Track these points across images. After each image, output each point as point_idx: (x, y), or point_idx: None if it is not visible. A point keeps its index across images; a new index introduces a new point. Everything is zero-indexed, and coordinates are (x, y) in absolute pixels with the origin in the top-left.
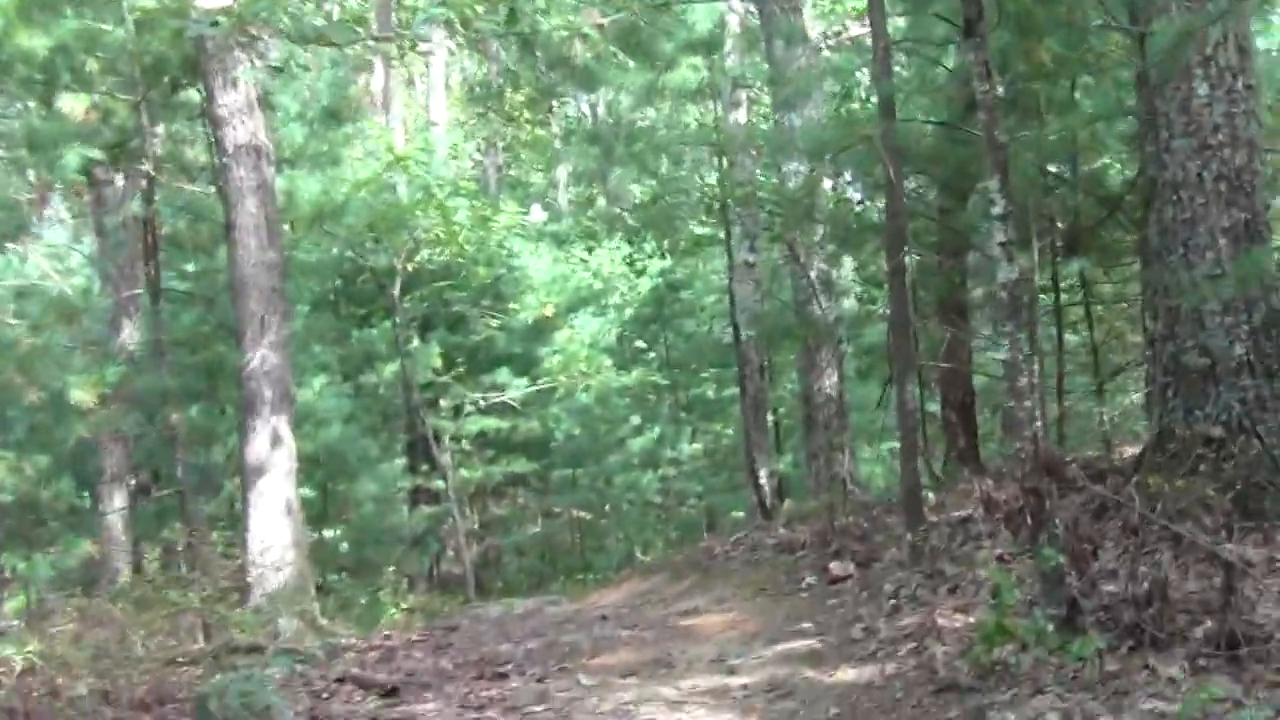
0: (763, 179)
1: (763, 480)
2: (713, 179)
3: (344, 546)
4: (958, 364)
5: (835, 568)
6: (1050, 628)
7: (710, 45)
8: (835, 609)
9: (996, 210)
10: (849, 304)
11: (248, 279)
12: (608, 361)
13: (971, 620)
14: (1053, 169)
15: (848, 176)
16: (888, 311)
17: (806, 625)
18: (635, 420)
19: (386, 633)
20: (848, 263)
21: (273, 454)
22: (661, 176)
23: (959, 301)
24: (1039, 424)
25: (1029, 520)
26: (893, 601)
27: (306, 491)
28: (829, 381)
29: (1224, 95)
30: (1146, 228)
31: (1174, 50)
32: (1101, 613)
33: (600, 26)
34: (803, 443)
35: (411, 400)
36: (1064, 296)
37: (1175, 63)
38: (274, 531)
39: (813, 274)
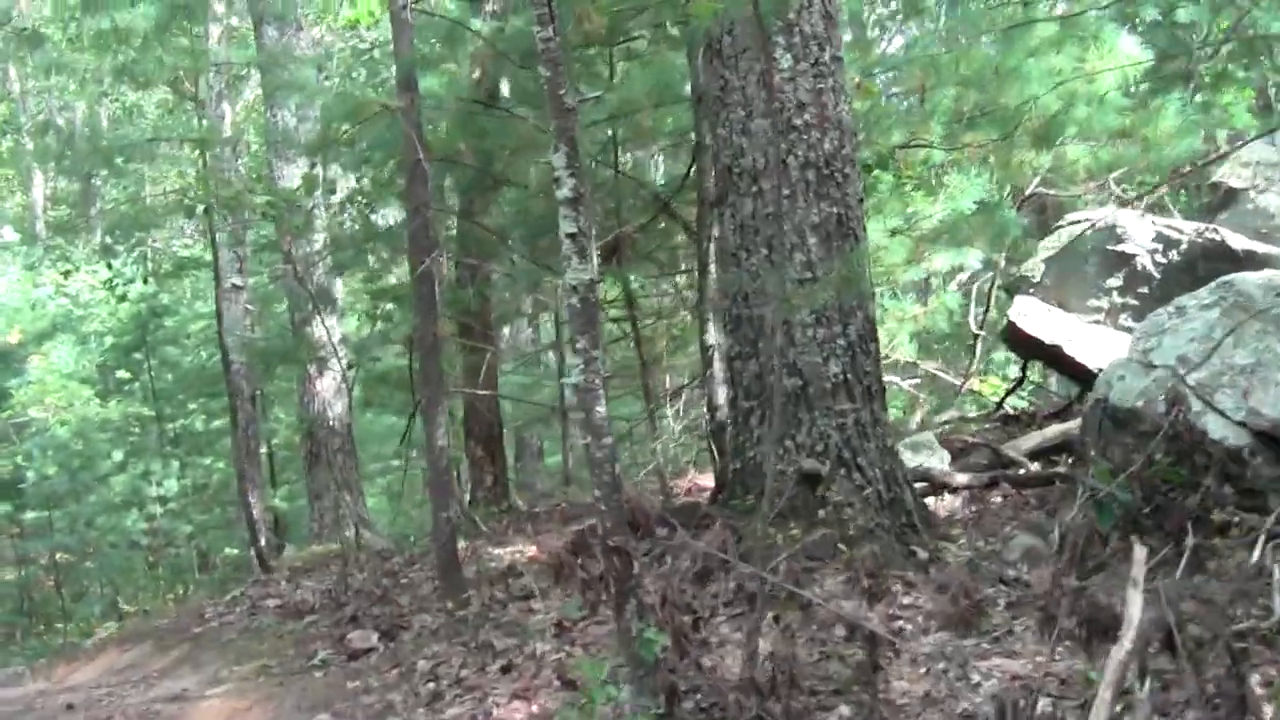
0: (253, 178)
1: (258, 522)
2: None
3: None
4: (482, 389)
5: (355, 638)
6: None
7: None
8: (359, 694)
9: (565, 192)
10: (356, 323)
11: None
12: (87, 392)
13: (535, 710)
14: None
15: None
16: (408, 329)
17: (324, 717)
18: (118, 456)
19: None
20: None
21: None
22: (135, 175)
23: (484, 316)
24: (618, 465)
25: (610, 587)
26: (431, 685)
27: None
28: (333, 411)
29: (809, 68)
30: (707, 227)
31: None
32: (710, 704)
33: None
34: (305, 479)
35: None
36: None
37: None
38: None
39: (311, 289)
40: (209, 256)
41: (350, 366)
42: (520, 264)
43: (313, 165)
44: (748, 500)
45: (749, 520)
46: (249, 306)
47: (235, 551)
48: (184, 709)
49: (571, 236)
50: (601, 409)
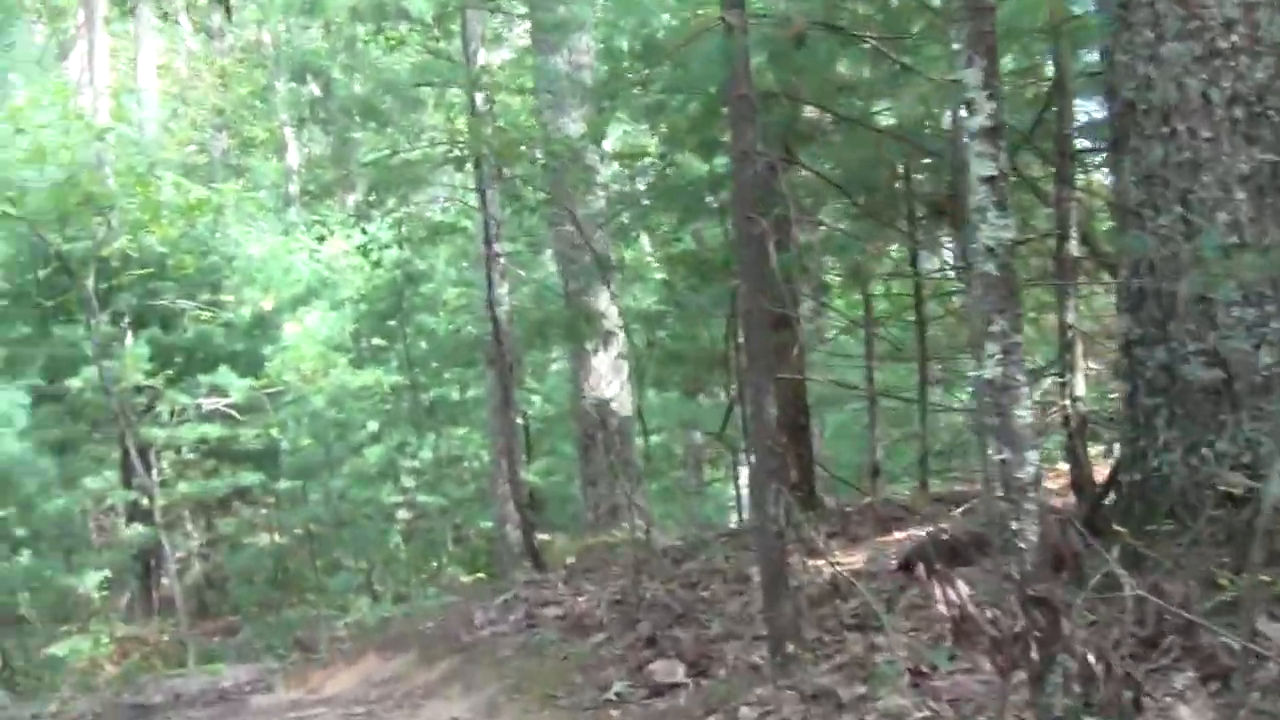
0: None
1: (526, 510)
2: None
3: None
4: (791, 370)
5: (658, 670)
6: None
7: None
8: None
9: (980, 120)
10: (642, 292)
11: None
12: (342, 360)
13: None
14: None
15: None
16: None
17: None
18: (373, 426)
19: None
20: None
21: None
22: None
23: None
24: (1041, 486)
25: (1030, 649)
26: None
27: None
28: (611, 390)
29: None
30: (1066, 185)
31: None
32: None
33: None
34: (579, 463)
35: (116, 406)
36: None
37: None
38: None
39: (589, 256)
40: (464, 222)
41: (649, 344)
42: (853, 226)
43: (600, 110)
44: (1151, 524)
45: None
46: (520, 272)
47: (488, 525)
48: None
49: (989, 181)
50: (1025, 413)
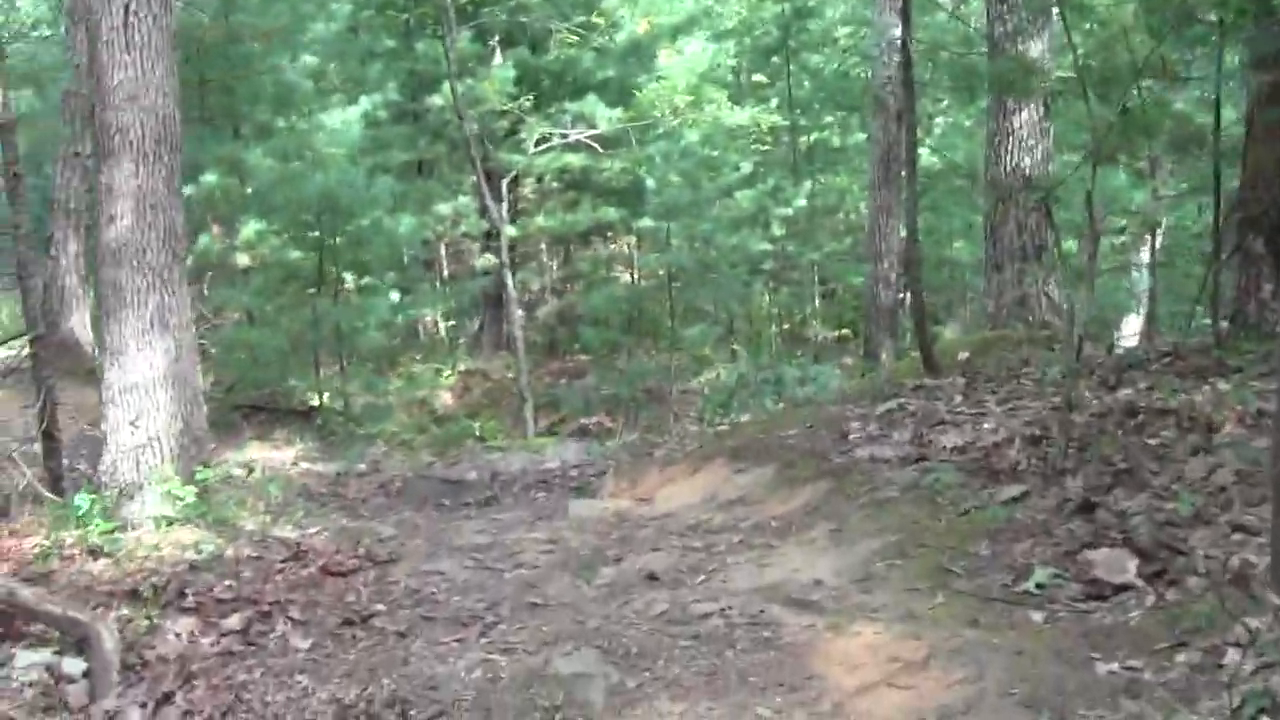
0: None
1: (920, 295)
2: None
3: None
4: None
5: (1099, 562)
6: None
7: None
8: (1117, 695)
9: None
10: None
11: None
12: (719, 95)
13: None
14: None
15: None
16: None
17: None
18: (745, 168)
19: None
20: None
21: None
22: None
23: None
24: None
25: None
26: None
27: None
28: (1032, 159)
29: None
30: None
31: None
32: None
33: None
34: (984, 242)
35: (471, 129)
36: None
37: None
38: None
39: None
40: None
41: (1086, 95)
42: None
43: None
44: None
45: None
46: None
47: (858, 281)
48: (817, 635)
49: None
50: None
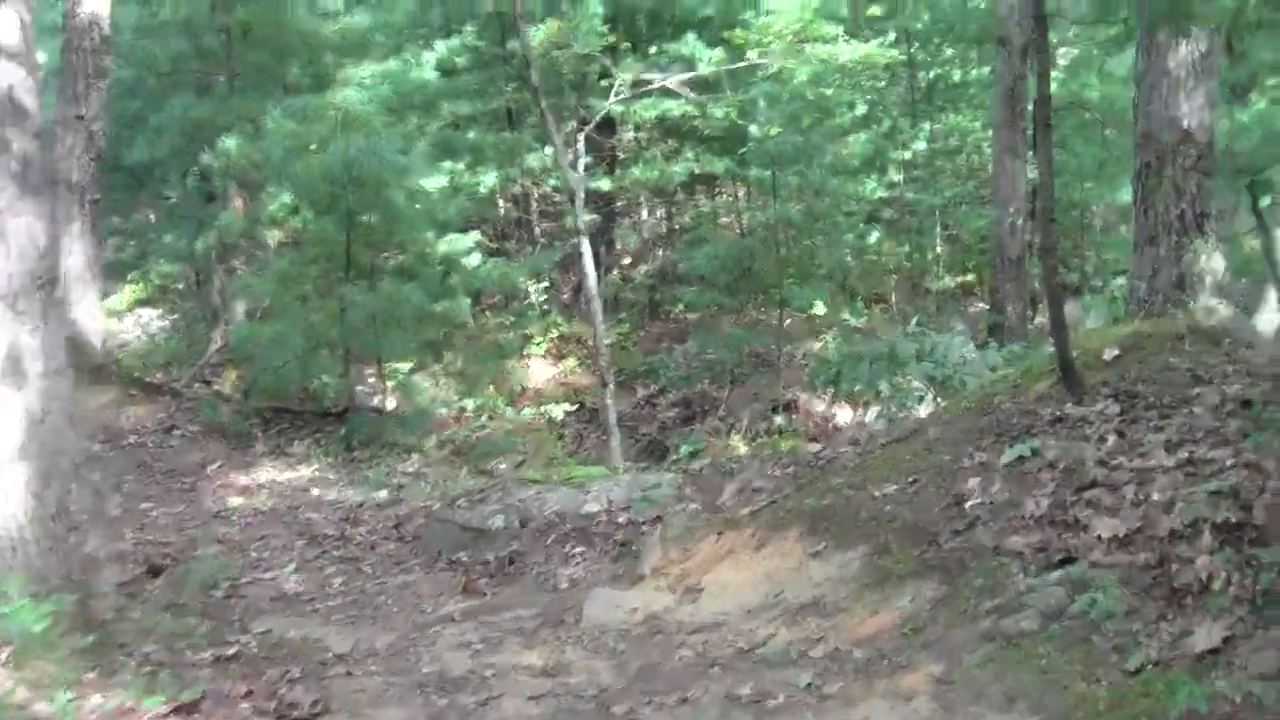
0: None
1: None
2: None
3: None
4: None
5: None
6: None
7: None
8: None
9: None
10: None
11: None
12: (830, 30)
13: None
14: None
15: None
16: None
17: None
18: (860, 109)
19: None
20: None
21: None
22: None
23: None
24: None
25: None
26: None
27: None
28: (1190, 106)
29: None
30: None
31: None
32: None
33: None
34: (1134, 209)
35: (535, 77)
36: None
37: None
38: None
39: None
40: None
41: None
42: None
43: None
44: None
45: None
46: None
47: (981, 223)
48: None
49: None
50: None
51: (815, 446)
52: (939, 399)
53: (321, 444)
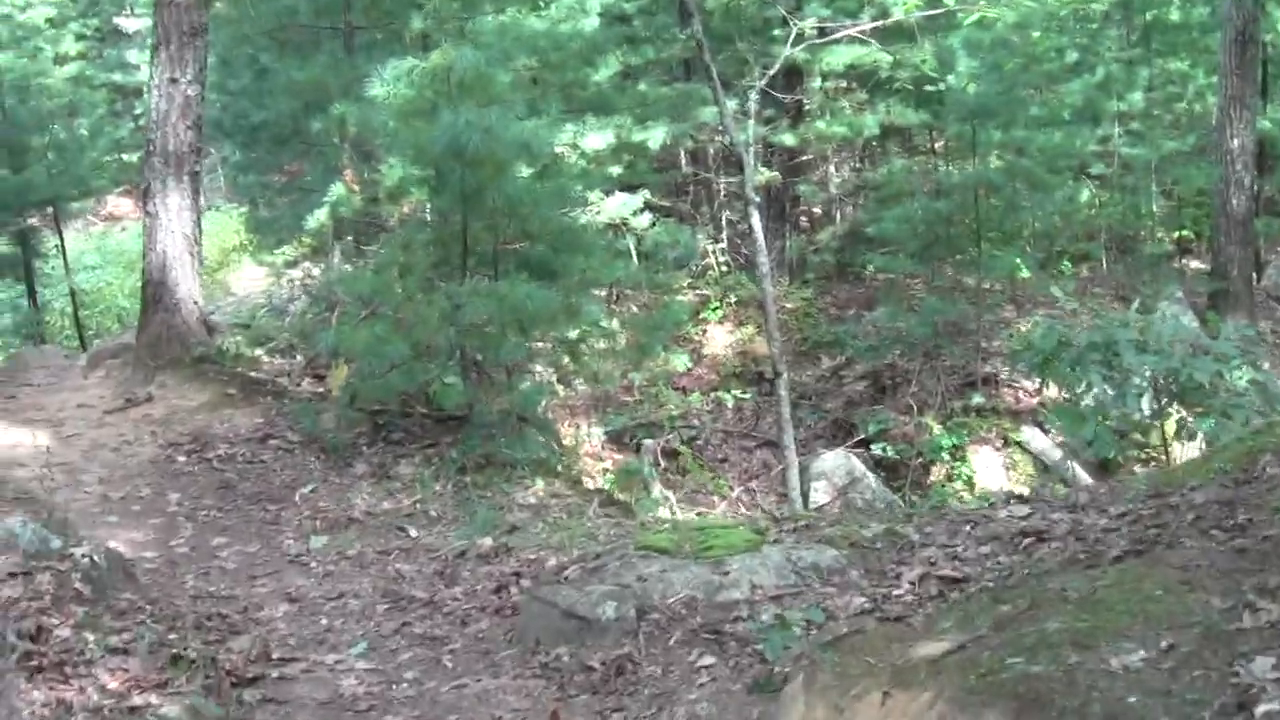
0: None
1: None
2: None
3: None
4: None
5: None
6: None
7: None
8: None
9: None
10: None
11: None
12: None
13: None
14: None
15: None
16: None
17: None
18: (1071, 56)
19: None
20: None
21: None
22: None
23: None
24: None
25: None
26: None
27: None
28: None
29: None
30: None
31: None
32: None
33: None
34: None
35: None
36: None
37: None
38: None
39: None
40: None
41: None
42: None
43: None
44: None
45: None
46: None
47: (1203, 180)
48: None
49: None
50: None
51: (1022, 509)
52: (1171, 406)
53: (432, 463)
